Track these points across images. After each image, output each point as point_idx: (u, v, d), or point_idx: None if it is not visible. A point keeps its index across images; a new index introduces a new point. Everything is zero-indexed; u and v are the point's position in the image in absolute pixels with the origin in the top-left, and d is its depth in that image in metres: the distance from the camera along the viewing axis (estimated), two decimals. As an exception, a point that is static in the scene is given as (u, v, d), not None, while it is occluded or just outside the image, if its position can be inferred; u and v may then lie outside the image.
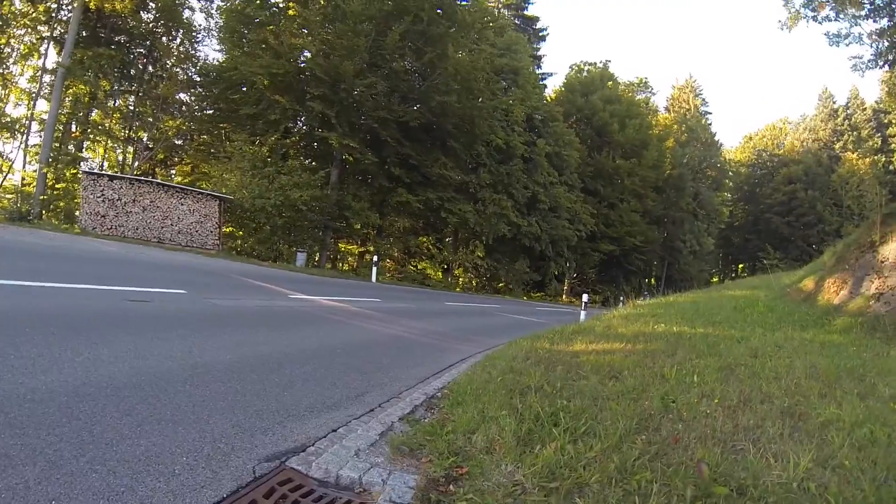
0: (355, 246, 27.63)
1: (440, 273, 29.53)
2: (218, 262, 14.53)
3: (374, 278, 21.53)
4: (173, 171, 26.38)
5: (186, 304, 6.27)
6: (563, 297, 37.55)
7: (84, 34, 22.46)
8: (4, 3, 21.95)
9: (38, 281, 5.71)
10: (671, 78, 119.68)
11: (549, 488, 2.04)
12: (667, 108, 57.39)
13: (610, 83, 42.80)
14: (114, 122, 25.23)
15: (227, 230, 20.51)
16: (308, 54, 22.83)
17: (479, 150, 27.96)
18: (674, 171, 45.48)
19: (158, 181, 20.07)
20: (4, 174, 23.60)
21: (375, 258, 22.30)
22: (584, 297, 15.38)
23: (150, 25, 24.75)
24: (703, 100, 58.11)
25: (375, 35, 22.66)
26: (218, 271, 9.77)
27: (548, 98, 38.13)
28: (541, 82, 36.79)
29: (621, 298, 30.55)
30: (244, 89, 22.74)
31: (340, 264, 25.40)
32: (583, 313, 14.18)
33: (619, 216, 39.16)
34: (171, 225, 18.63)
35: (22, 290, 5.08)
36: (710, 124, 57.13)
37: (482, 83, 26.22)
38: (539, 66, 39.99)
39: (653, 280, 49.19)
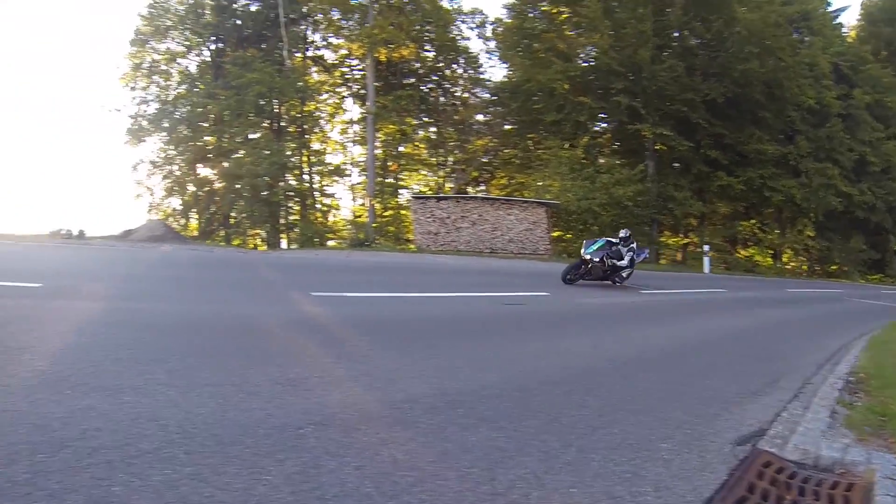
0: (679, 238, 25.80)
1: (769, 259, 25.92)
2: (553, 266, 14.49)
3: (706, 269, 20.06)
4: (481, 187, 27.62)
5: (555, 304, 6.87)
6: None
7: (377, 84, 25.10)
8: (306, 77, 25.42)
9: (409, 292, 6.55)
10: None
11: None
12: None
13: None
14: (422, 151, 27.82)
15: (555, 234, 20.26)
16: (595, 51, 22.20)
17: (791, 115, 24.14)
18: None
19: (483, 196, 20.92)
20: (336, 211, 27.69)
21: (707, 248, 21.02)
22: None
23: (434, 62, 26.76)
24: None
25: (655, 16, 21.22)
26: (557, 273, 10.16)
27: (848, 38, 31.85)
28: (835, 22, 30.76)
29: None
30: (538, 98, 22.79)
31: (661, 258, 23.74)
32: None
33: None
34: (502, 235, 19.02)
35: (402, 300, 5.90)
36: None
37: (780, 40, 22.64)
38: (828, 3, 33.56)
39: None
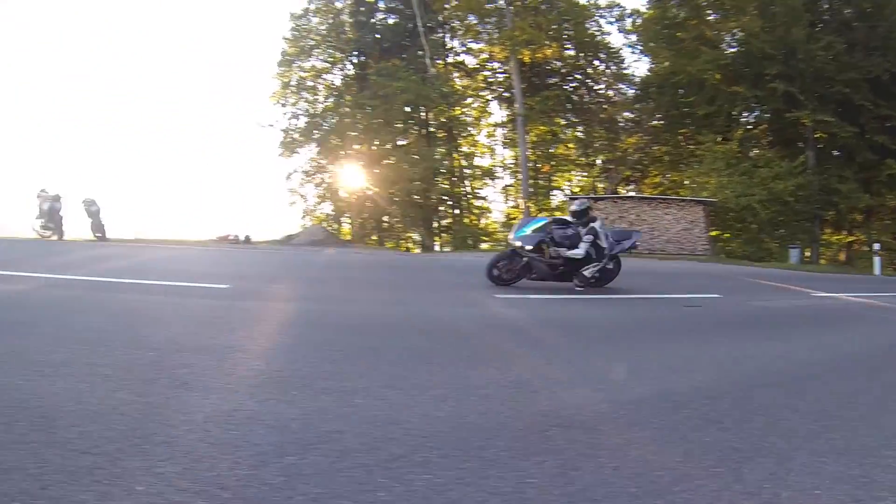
0: (842, 235, 24.08)
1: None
2: (714, 267, 14.03)
3: (876, 270, 18.00)
4: (632, 186, 27.47)
5: (729, 307, 6.74)
6: None
7: (523, 85, 25.47)
8: (451, 83, 26.31)
9: (591, 294, 6.80)
10: None
11: None
12: None
13: None
14: (572, 151, 27.99)
15: (713, 234, 19.72)
16: (743, 34, 21.12)
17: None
18: None
19: (640, 195, 20.73)
20: (488, 213, 28.33)
21: (877, 246, 18.86)
22: None
23: (574, 60, 26.72)
24: None
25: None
26: (720, 275, 9.61)
27: None
28: None
29: None
30: (686, 90, 22.18)
31: (821, 258, 22.26)
32: None
33: None
34: (660, 235, 18.71)
35: (583, 302, 6.29)
36: None
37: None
38: None
39: None
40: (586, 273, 7.11)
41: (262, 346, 3.33)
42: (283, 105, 28.16)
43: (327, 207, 27.99)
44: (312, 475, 1.63)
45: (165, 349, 3.12)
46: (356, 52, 27.72)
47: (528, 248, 6.93)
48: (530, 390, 2.69)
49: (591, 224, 7.21)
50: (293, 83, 28.30)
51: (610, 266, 7.51)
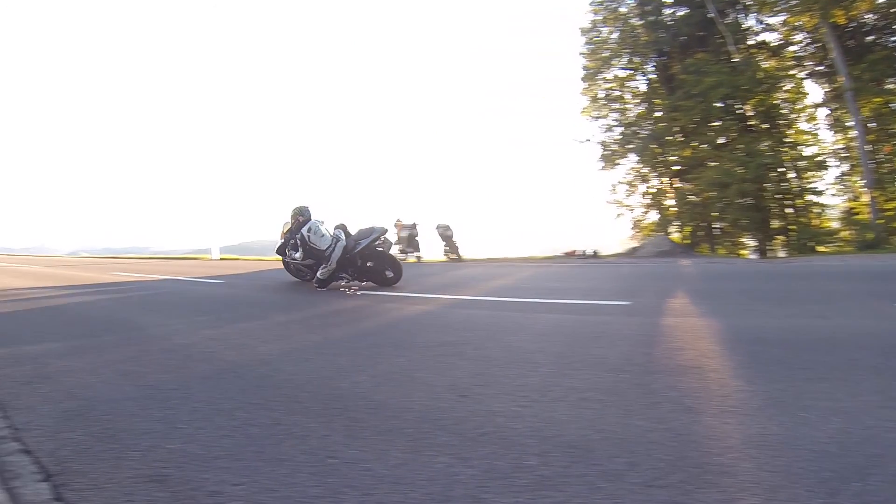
0: None
1: None
2: None
3: None
4: None
5: None
6: None
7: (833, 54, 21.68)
8: (764, 67, 22.30)
9: None
10: None
11: None
12: None
13: None
14: None
15: None
16: None
17: None
18: None
19: None
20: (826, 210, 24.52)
21: None
22: None
23: (888, 5, 20.78)
24: None
25: None
26: None
27: None
28: None
29: None
30: None
31: None
32: None
33: None
34: None
35: None
36: None
37: None
38: None
39: None
40: (321, 275, 8.32)
41: (722, 364, 3.28)
42: (596, 119, 28.61)
43: (654, 216, 27.73)
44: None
45: (632, 370, 3.22)
46: (655, 54, 26.38)
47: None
48: None
49: (314, 228, 8.32)
50: (601, 96, 28.55)
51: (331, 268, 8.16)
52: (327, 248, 8.15)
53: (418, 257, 17.37)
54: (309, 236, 8.22)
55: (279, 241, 9.31)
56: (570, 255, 17.90)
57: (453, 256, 17.36)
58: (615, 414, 2.45)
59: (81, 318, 6.41)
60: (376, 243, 8.32)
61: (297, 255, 8.66)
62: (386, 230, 8.53)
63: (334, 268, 8.16)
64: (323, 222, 8.54)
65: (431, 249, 17.96)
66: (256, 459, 2.17)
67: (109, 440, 2.46)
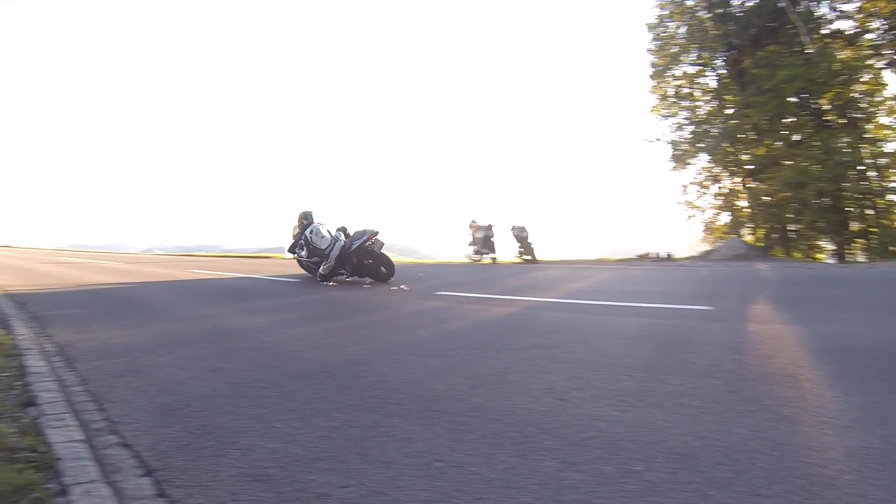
0: None
1: None
2: None
3: None
4: None
5: None
6: None
7: None
8: (841, 58, 21.31)
9: None
10: None
11: None
12: None
13: None
14: None
15: None
16: None
17: None
18: None
19: None
20: None
21: None
22: None
23: None
24: None
25: None
26: None
27: None
28: None
29: None
30: None
31: None
32: None
33: None
34: None
35: None
36: None
37: None
38: None
39: None
40: (322, 270, 9.66)
41: (814, 373, 3.25)
42: (665, 117, 28.25)
43: (725, 218, 27.00)
44: None
45: (724, 377, 3.24)
46: (724, 48, 25.70)
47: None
48: None
49: (318, 232, 9.88)
50: (670, 93, 28.13)
51: (332, 265, 9.58)
52: (327, 248, 9.55)
53: (493, 258, 17.64)
54: (311, 237, 9.68)
55: (291, 241, 10.49)
56: (643, 257, 17.92)
57: (528, 258, 17.38)
58: (713, 421, 2.48)
59: (166, 315, 6.54)
60: (367, 243, 9.51)
61: (304, 253, 10.06)
62: (377, 231, 9.66)
63: (333, 264, 9.44)
64: (324, 224, 9.86)
65: (505, 251, 18.15)
66: (361, 462, 2.17)
67: (207, 437, 2.48)
